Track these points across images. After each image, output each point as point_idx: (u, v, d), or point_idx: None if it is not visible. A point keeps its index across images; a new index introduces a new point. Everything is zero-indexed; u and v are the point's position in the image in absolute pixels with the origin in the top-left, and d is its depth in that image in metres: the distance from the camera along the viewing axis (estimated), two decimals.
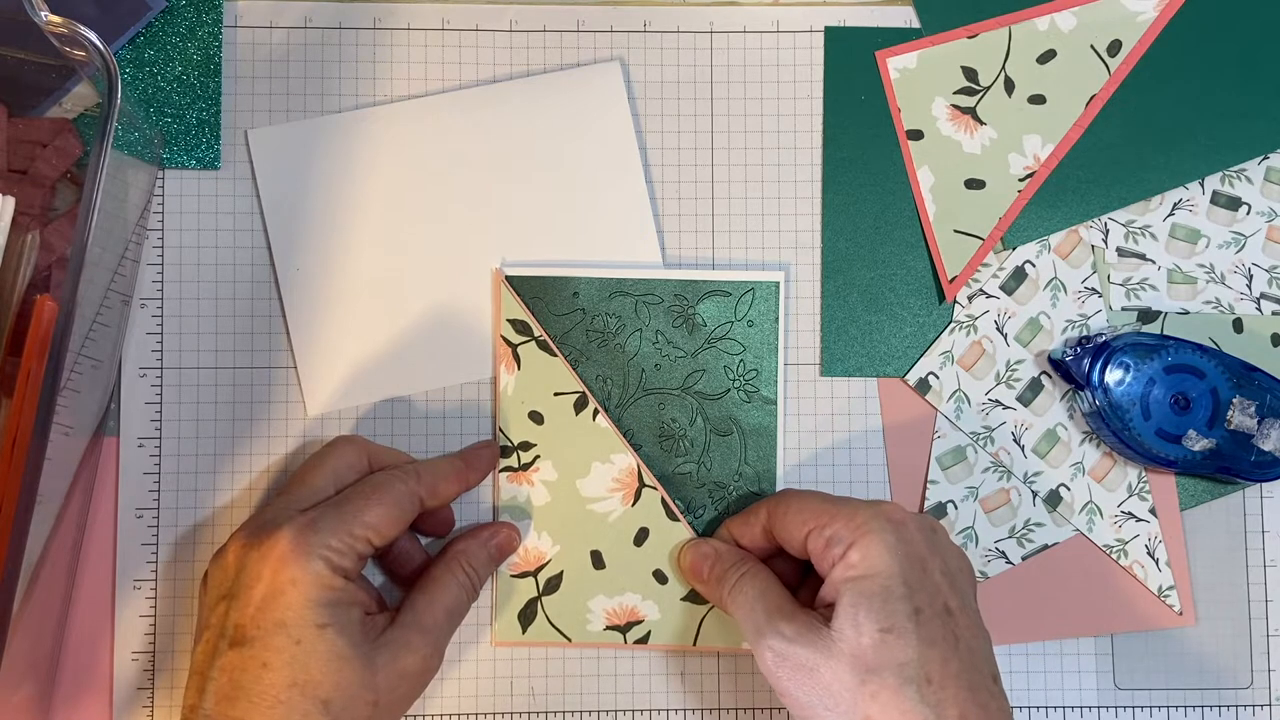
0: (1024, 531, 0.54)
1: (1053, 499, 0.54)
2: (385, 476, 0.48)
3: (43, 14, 0.42)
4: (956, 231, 0.54)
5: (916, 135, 0.55)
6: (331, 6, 0.54)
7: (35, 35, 0.42)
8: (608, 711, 0.53)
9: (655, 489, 0.52)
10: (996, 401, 0.54)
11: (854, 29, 0.55)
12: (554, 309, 0.53)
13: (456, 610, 0.48)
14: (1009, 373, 0.54)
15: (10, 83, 0.49)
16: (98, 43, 0.42)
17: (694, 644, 0.52)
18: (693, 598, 0.52)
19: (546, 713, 0.53)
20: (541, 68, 0.55)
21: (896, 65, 0.55)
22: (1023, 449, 0.54)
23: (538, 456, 0.52)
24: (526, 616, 0.52)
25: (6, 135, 0.50)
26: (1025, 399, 0.54)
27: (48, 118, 0.52)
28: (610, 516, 0.52)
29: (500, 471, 0.53)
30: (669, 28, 0.55)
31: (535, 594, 0.52)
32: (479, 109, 0.54)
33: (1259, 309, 0.55)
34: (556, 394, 0.52)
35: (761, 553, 0.50)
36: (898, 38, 0.55)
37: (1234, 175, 0.55)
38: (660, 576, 0.52)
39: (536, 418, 0.53)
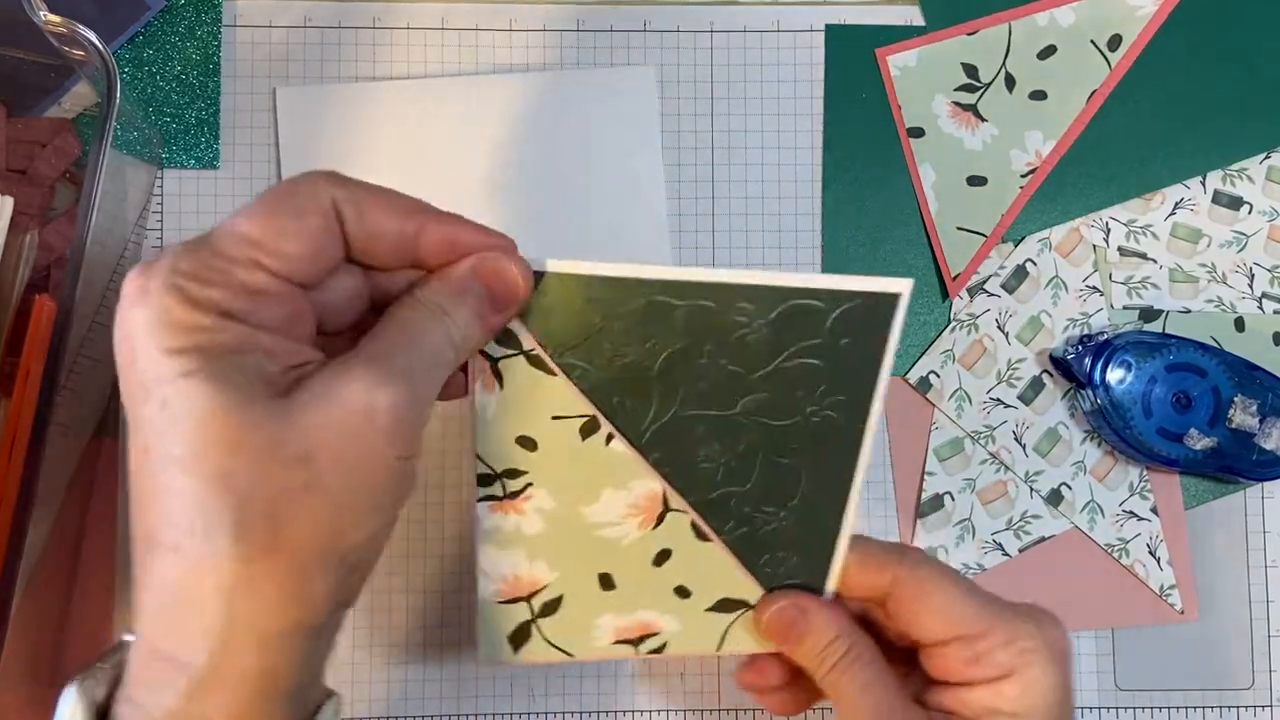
0: (1021, 523, 0.54)
1: (1054, 498, 0.54)
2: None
3: (42, 14, 0.42)
4: (959, 229, 0.54)
5: (917, 133, 0.55)
6: (331, 6, 0.54)
7: (35, 35, 0.42)
8: (608, 712, 0.53)
9: (684, 513, 0.44)
10: (998, 400, 0.54)
11: (854, 27, 0.55)
12: (564, 314, 0.40)
13: (436, 359, 0.34)
14: (1010, 371, 0.54)
15: (9, 82, 0.49)
16: (97, 42, 0.42)
17: (718, 650, 0.46)
18: (721, 607, 0.45)
19: (546, 713, 0.53)
20: (541, 67, 0.55)
21: (897, 63, 0.55)
22: (1024, 448, 0.54)
23: (530, 484, 0.43)
24: (519, 638, 0.45)
25: (6, 135, 0.50)
26: (1026, 398, 0.54)
27: (47, 118, 0.52)
28: (623, 541, 0.45)
29: (479, 501, 0.43)
30: (669, 27, 0.55)
31: (529, 617, 0.45)
32: (511, 95, 0.54)
33: (1260, 308, 0.55)
34: (555, 418, 0.42)
35: (863, 600, 0.43)
36: (898, 36, 0.55)
37: (1235, 175, 0.55)
38: (683, 592, 0.45)
39: (527, 443, 0.43)
